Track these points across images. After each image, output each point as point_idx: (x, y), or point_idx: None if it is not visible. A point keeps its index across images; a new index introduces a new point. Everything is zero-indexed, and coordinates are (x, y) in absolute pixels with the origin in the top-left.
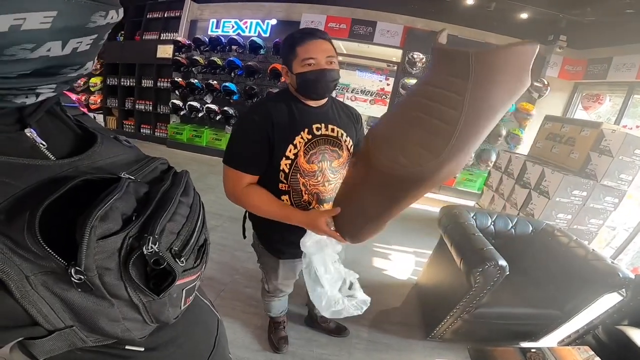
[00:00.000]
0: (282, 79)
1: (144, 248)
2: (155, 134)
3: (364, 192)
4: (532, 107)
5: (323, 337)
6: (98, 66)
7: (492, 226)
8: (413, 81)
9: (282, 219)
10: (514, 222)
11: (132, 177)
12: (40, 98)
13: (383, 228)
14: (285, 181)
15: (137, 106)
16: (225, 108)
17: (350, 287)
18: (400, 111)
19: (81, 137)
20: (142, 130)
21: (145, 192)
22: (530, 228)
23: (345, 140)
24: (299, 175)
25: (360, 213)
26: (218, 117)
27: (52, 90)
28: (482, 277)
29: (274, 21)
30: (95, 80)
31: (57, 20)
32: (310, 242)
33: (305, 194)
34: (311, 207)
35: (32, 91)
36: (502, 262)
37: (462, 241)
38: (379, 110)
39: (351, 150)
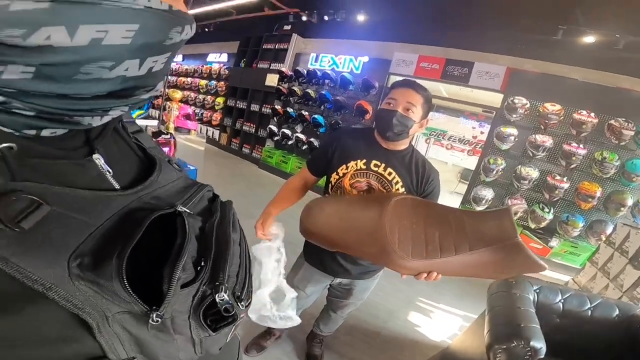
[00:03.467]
0: (368, 117)
1: (217, 296)
2: (253, 154)
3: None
4: None
5: None
6: (223, 87)
7: (560, 303)
8: (511, 130)
9: (268, 205)
10: (594, 303)
11: (188, 210)
12: (106, 120)
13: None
14: (329, 190)
15: (244, 127)
16: (312, 139)
17: (285, 303)
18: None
19: (142, 160)
20: (243, 149)
21: (199, 227)
22: (617, 312)
23: (397, 189)
24: (339, 192)
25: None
26: (304, 147)
27: (124, 112)
28: (504, 355)
29: (365, 58)
30: (220, 100)
31: (137, 36)
32: (262, 246)
33: None
34: None
35: (106, 113)
36: (537, 344)
37: (501, 311)
38: (474, 162)
39: None
